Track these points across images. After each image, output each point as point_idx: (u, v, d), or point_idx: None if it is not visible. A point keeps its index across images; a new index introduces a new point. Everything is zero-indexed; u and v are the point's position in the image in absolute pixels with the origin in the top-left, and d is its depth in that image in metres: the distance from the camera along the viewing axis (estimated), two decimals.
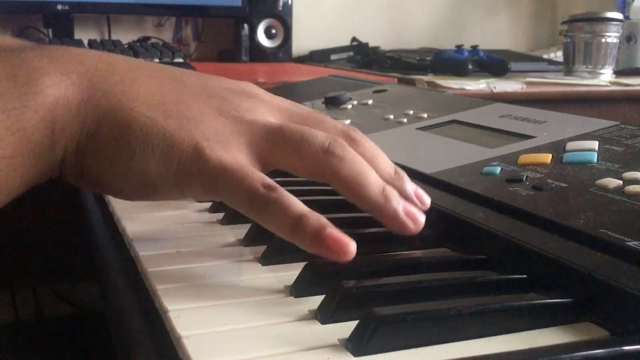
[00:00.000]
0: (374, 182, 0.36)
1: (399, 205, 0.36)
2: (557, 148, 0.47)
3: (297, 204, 0.33)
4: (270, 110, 0.38)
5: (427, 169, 0.47)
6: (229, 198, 0.34)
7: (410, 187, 0.38)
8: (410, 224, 0.36)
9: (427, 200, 0.38)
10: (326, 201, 0.48)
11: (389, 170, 0.38)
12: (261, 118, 0.37)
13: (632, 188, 0.37)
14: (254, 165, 0.35)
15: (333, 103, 0.77)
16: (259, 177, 0.33)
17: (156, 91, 0.36)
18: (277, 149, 0.36)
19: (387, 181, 0.37)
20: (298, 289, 0.33)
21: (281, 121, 0.38)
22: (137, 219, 0.45)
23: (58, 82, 0.33)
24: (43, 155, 0.33)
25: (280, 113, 0.39)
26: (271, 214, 0.33)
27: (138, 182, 0.35)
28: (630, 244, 0.31)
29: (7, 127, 0.31)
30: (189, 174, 0.34)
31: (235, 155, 0.34)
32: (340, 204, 0.48)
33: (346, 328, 0.28)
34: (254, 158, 0.35)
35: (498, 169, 0.45)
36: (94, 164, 0.34)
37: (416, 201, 0.38)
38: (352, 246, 0.32)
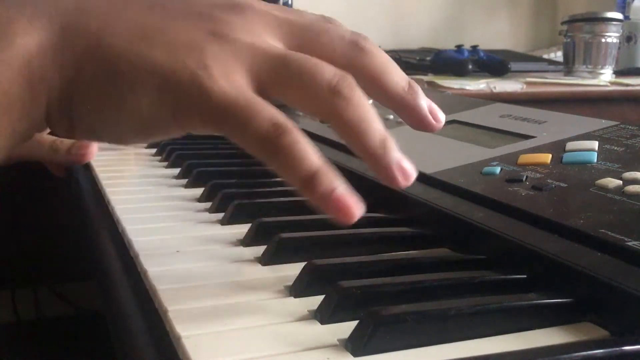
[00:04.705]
0: (376, 130, 0.33)
1: (394, 159, 0.34)
2: (557, 148, 0.47)
3: (312, 156, 0.30)
4: (268, 25, 0.34)
5: (427, 169, 0.47)
6: (234, 136, 0.31)
7: (424, 101, 0.36)
8: (402, 180, 0.34)
9: (442, 117, 0.37)
10: None
11: (402, 84, 0.36)
12: (261, 40, 0.33)
13: (632, 188, 0.37)
14: (255, 93, 0.32)
15: None
16: (269, 115, 0.30)
17: (136, 21, 0.32)
18: (279, 81, 0.33)
19: (400, 98, 0.35)
20: (298, 289, 0.33)
21: (283, 42, 0.34)
22: (137, 219, 0.45)
23: (28, 29, 0.31)
24: (25, 110, 0.31)
25: (280, 28, 0.35)
26: (282, 163, 0.30)
27: (134, 124, 0.32)
28: (630, 244, 0.31)
29: None
30: (188, 108, 0.31)
31: (238, 83, 0.31)
32: None
33: (346, 328, 0.28)
34: (254, 87, 0.32)
35: (498, 169, 0.45)
36: (83, 112, 0.32)
37: (430, 119, 0.36)
38: (356, 214, 0.30)
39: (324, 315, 0.30)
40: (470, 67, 1.33)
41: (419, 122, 0.36)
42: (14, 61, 0.30)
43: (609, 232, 0.33)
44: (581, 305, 0.30)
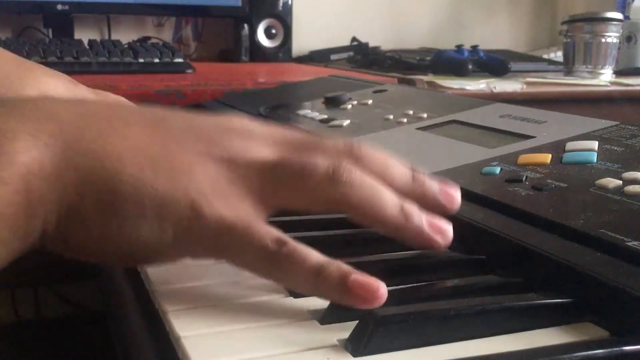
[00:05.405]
0: (389, 201, 0.33)
1: (422, 221, 0.33)
2: (557, 148, 0.47)
3: (313, 255, 0.30)
4: (263, 144, 0.34)
5: (427, 169, 0.47)
6: (236, 259, 0.31)
7: (435, 188, 0.35)
8: (439, 238, 0.33)
9: (457, 196, 0.36)
10: None
11: (405, 179, 0.35)
12: (256, 155, 0.33)
13: (632, 188, 0.37)
14: (258, 213, 0.32)
15: (333, 103, 0.77)
16: (267, 233, 0.31)
17: (139, 142, 0.31)
18: (279, 187, 0.33)
19: (407, 191, 0.35)
20: None
21: (278, 153, 0.34)
22: None
23: (29, 146, 0.29)
24: (19, 231, 0.29)
25: (275, 144, 0.35)
26: (286, 271, 0.30)
27: (132, 250, 0.31)
28: (630, 244, 0.31)
29: None
30: (188, 236, 0.31)
31: (237, 208, 0.31)
32: None
33: (346, 328, 0.28)
34: (256, 204, 0.32)
35: (498, 169, 0.45)
36: (80, 234, 0.31)
37: (444, 203, 0.35)
38: (381, 289, 0.29)
39: (324, 316, 0.30)
40: (470, 67, 1.32)
41: (434, 207, 0.35)
42: (12, 180, 0.28)
43: (609, 232, 0.33)
44: (581, 305, 0.30)
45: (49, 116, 0.31)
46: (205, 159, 0.32)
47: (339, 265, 0.30)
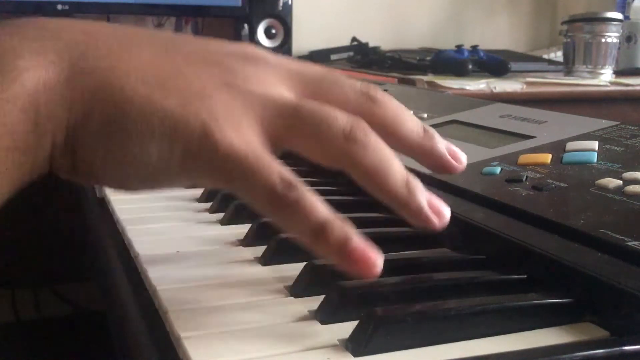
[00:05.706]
0: (397, 172, 0.32)
1: (423, 198, 0.32)
2: (557, 148, 0.47)
3: (320, 208, 0.29)
4: (280, 76, 0.33)
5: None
6: (241, 192, 0.30)
7: (443, 144, 0.35)
8: (435, 220, 0.32)
9: (463, 157, 0.36)
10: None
11: (417, 130, 0.35)
12: (273, 90, 0.32)
13: (632, 188, 0.37)
14: (265, 147, 0.31)
15: None
16: (277, 171, 0.29)
17: (150, 63, 0.30)
18: (292, 131, 0.32)
19: (417, 143, 0.34)
20: (298, 289, 0.33)
21: (295, 92, 0.33)
22: (137, 219, 0.45)
23: (35, 63, 0.28)
24: (29, 152, 0.29)
25: (292, 79, 0.34)
26: (290, 217, 0.29)
27: (138, 171, 0.30)
28: (630, 244, 0.31)
29: None
30: (196, 160, 0.29)
31: (248, 137, 0.30)
32: (338, 204, 0.48)
33: (346, 328, 0.28)
34: (265, 138, 0.31)
35: (498, 169, 0.45)
36: (87, 154, 0.30)
37: (451, 161, 0.35)
38: (378, 264, 0.28)
39: (324, 315, 0.30)
40: (470, 67, 1.32)
41: (439, 165, 0.35)
42: (18, 99, 0.28)
43: (609, 232, 0.33)
44: (581, 305, 0.30)
45: (53, 34, 0.30)
46: (219, 85, 0.31)
47: (343, 226, 0.29)
